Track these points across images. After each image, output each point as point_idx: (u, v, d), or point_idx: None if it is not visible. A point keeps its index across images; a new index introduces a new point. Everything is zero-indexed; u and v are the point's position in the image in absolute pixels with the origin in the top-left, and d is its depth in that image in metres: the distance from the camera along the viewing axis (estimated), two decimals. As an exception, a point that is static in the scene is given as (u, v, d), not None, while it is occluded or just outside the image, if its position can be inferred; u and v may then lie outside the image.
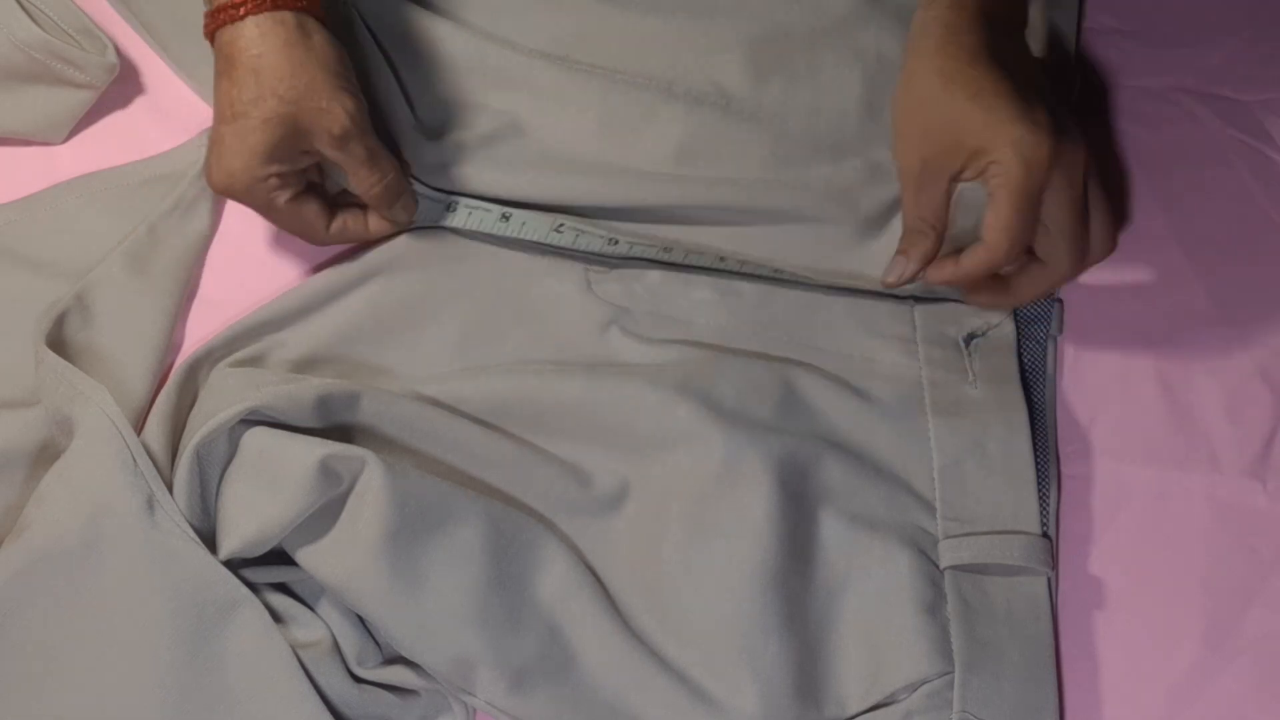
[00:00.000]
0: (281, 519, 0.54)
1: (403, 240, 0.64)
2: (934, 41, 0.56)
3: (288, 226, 0.61)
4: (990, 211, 0.54)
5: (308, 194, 0.60)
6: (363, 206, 0.62)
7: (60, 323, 0.62)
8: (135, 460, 0.56)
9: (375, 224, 0.63)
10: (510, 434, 0.60)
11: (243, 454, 0.56)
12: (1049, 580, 0.57)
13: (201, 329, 0.65)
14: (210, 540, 0.56)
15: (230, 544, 0.55)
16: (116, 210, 0.66)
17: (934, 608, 0.55)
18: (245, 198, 0.58)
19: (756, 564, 0.55)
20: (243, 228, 0.67)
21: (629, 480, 0.59)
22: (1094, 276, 0.63)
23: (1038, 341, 0.62)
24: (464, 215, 0.63)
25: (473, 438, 0.59)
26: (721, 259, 0.63)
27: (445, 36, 0.66)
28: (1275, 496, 0.59)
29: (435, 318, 0.62)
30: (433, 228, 0.64)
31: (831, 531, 0.58)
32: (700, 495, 0.57)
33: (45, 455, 0.60)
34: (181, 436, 0.58)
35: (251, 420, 0.57)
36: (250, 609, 0.55)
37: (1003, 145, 0.53)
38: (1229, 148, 0.65)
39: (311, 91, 0.56)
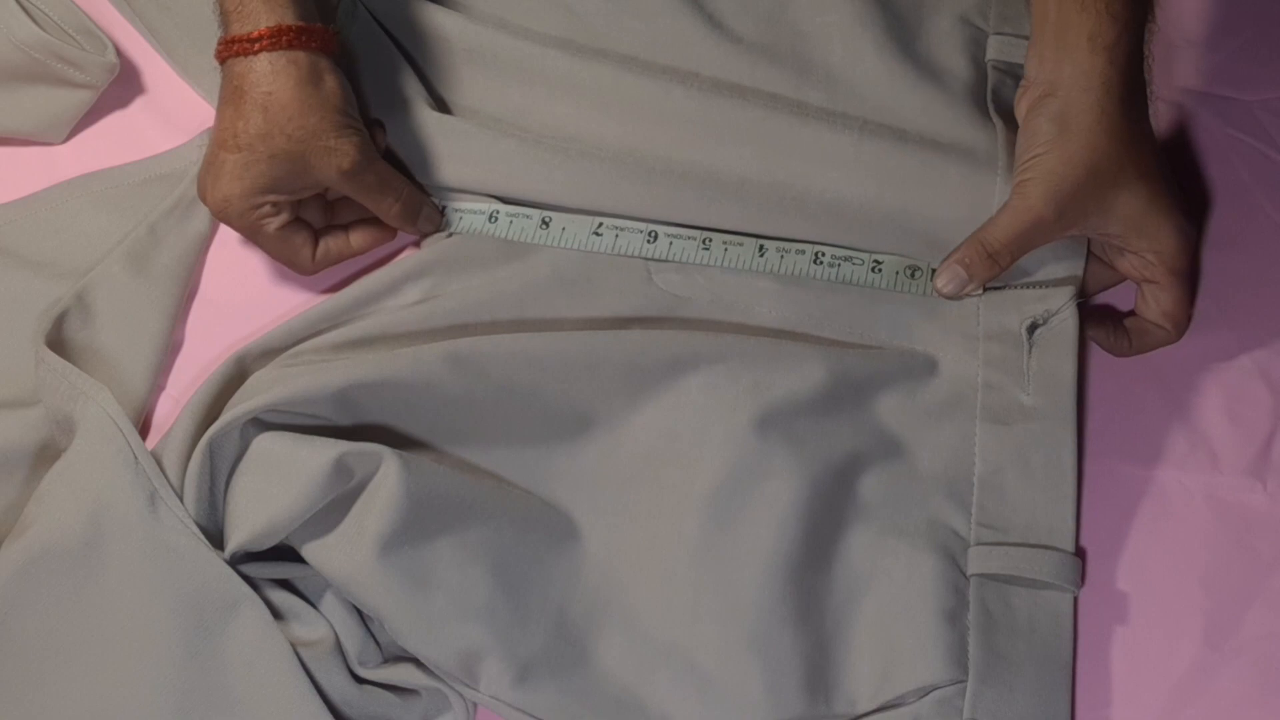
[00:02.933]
0: (292, 512, 0.54)
1: (458, 238, 0.64)
2: (1106, 94, 0.55)
3: (274, 253, 0.62)
4: (1164, 297, 0.58)
5: (296, 223, 0.61)
6: (344, 227, 0.63)
7: (60, 323, 0.62)
8: (137, 458, 0.56)
9: (357, 240, 0.63)
10: (537, 420, 0.59)
11: (254, 451, 0.56)
12: (1075, 599, 0.56)
13: (201, 329, 0.65)
14: (217, 537, 0.56)
15: (239, 536, 0.55)
16: (116, 210, 0.66)
17: (954, 615, 0.55)
18: (236, 222, 0.59)
19: (777, 554, 0.55)
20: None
21: (658, 455, 0.59)
22: (1094, 276, 0.63)
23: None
24: (505, 224, 0.63)
25: (497, 426, 0.59)
26: (761, 250, 0.62)
27: (457, 30, 0.66)
28: (1275, 496, 0.59)
29: (491, 311, 0.61)
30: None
31: (859, 530, 0.57)
32: (729, 481, 0.57)
33: (45, 455, 0.60)
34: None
35: (268, 423, 0.57)
36: (251, 608, 0.55)
37: (1169, 234, 0.57)
38: (1228, 147, 0.65)
39: (319, 131, 0.57)
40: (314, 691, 0.54)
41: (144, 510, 0.55)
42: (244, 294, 0.66)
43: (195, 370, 0.64)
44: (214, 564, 0.55)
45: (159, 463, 0.57)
